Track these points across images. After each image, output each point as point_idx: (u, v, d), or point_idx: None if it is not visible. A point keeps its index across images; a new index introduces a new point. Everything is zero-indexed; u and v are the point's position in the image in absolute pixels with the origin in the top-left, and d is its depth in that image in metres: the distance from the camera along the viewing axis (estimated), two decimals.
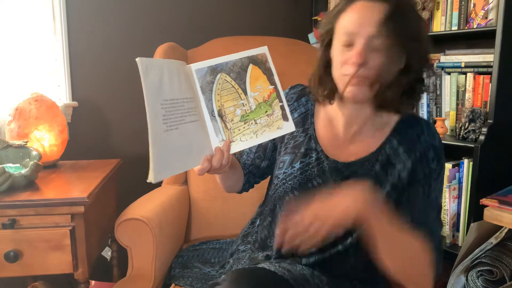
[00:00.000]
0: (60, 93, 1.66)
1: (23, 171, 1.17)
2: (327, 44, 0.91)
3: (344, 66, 0.84)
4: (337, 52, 0.87)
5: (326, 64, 0.91)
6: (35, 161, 1.19)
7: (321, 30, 0.93)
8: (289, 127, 0.86)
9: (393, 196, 0.89)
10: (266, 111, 0.84)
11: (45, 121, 1.39)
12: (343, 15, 0.85)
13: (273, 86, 0.85)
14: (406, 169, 0.89)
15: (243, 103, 0.83)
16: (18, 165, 1.23)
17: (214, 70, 0.80)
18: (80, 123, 1.71)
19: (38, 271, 1.10)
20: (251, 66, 0.83)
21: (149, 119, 0.70)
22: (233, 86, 0.82)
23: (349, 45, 0.83)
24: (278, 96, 0.85)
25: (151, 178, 0.70)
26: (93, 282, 1.63)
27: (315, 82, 0.94)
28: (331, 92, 0.92)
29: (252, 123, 0.83)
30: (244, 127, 0.82)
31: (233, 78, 0.82)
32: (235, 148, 0.82)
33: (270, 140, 1.02)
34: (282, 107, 0.85)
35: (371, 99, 0.87)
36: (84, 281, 1.17)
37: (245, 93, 0.83)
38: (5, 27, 1.54)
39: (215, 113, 0.80)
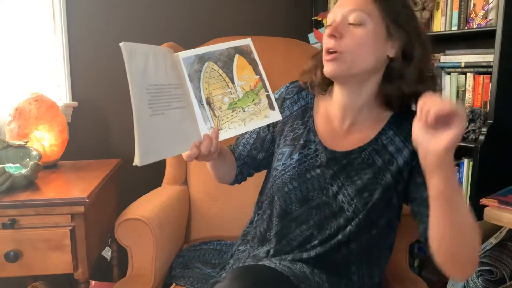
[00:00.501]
0: (60, 93, 1.66)
1: (23, 171, 1.17)
2: None
3: (323, 43, 0.89)
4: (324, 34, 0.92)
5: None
6: (35, 161, 1.19)
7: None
8: (275, 115, 0.87)
9: (391, 184, 0.90)
10: (253, 100, 0.85)
11: (45, 121, 1.39)
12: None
13: (259, 76, 0.86)
14: (403, 157, 0.90)
15: (230, 91, 0.84)
16: (18, 165, 1.23)
17: (202, 59, 0.82)
18: (80, 123, 1.71)
19: (38, 271, 1.10)
20: (237, 56, 0.85)
21: (134, 103, 0.70)
22: (221, 75, 0.83)
23: (332, 24, 0.88)
24: (264, 86, 0.87)
25: (136, 162, 0.70)
26: (93, 282, 1.63)
27: (311, 71, 0.99)
28: (325, 82, 0.97)
29: (240, 111, 0.84)
30: (232, 115, 0.83)
31: (220, 67, 0.83)
32: (224, 135, 0.83)
33: (268, 132, 1.03)
34: (268, 96, 0.87)
35: (353, 79, 0.89)
36: (84, 281, 1.16)
37: (232, 81, 0.84)
38: (5, 27, 1.54)
39: (203, 101, 0.81)
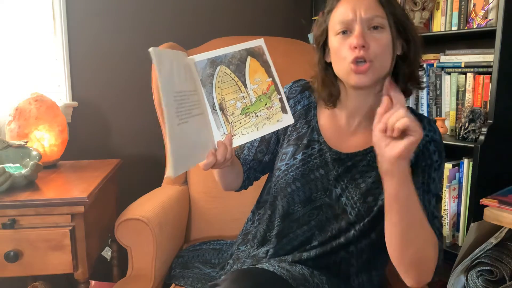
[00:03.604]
0: (60, 93, 1.66)
1: (23, 171, 1.17)
2: (322, 46, 0.93)
3: (346, 53, 0.84)
4: (335, 44, 0.87)
5: (326, 67, 0.93)
6: (35, 161, 1.19)
7: (315, 33, 0.95)
8: (288, 119, 0.85)
9: None
10: (266, 104, 0.84)
11: (45, 121, 1.39)
12: (334, 12, 0.88)
13: (271, 79, 0.84)
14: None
15: (243, 96, 0.82)
16: (18, 165, 1.23)
17: (214, 63, 0.80)
18: (80, 123, 1.71)
19: (38, 271, 1.10)
20: (249, 58, 0.83)
21: (165, 112, 0.68)
22: (233, 79, 0.82)
23: (346, 32, 0.85)
24: (277, 89, 0.85)
25: (170, 173, 0.68)
26: (93, 282, 1.63)
27: (318, 85, 0.96)
28: (334, 94, 0.94)
29: (252, 116, 0.83)
30: (245, 120, 0.82)
31: (233, 71, 0.81)
32: (237, 141, 0.81)
33: (273, 133, 1.02)
34: (280, 100, 0.85)
35: (378, 85, 0.87)
36: (84, 281, 1.17)
37: (245, 85, 0.82)
38: (5, 27, 1.54)
39: (216, 106, 0.80)
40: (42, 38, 1.61)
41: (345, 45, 0.84)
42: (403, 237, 0.78)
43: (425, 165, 0.89)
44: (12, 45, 1.56)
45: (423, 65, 0.94)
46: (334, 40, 0.88)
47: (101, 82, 1.73)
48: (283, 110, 0.85)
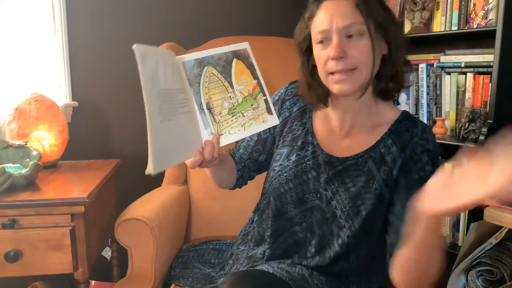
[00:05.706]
0: (60, 93, 1.66)
1: (23, 171, 1.17)
2: (306, 51, 0.93)
3: (326, 63, 0.86)
4: (317, 53, 0.89)
5: (311, 70, 0.93)
6: (35, 161, 1.19)
7: (297, 38, 0.95)
8: (273, 120, 0.86)
9: (386, 194, 0.89)
10: (252, 105, 0.85)
11: (45, 121, 1.39)
12: (315, 19, 0.88)
13: (257, 81, 0.86)
14: (396, 167, 0.89)
15: (230, 96, 0.83)
16: (18, 165, 1.23)
17: (201, 63, 0.81)
18: (80, 123, 1.71)
19: (38, 271, 1.10)
20: (235, 60, 0.85)
21: (147, 108, 0.69)
22: (220, 79, 0.83)
23: (324, 42, 0.86)
24: (262, 90, 0.86)
25: (150, 170, 0.68)
26: (93, 282, 1.63)
27: (304, 90, 0.96)
28: (323, 96, 0.94)
29: (239, 116, 0.84)
30: (232, 120, 0.83)
31: (219, 72, 0.83)
32: (224, 141, 0.82)
33: (269, 134, 1.03)
34: (266, 101, 0.86)
35: (362, 90, 0.88)
36: (84, 281, 1.17)
37: (231, 86, 0.84)
38: (5, 27, 1.54)
39: (204, 106, 0.81)
40: (42, 38, 1.61)
41: (324, 55, 0.86)
42: (420, 274, 0.77)
43: (419, 177, 0.87)
44: (13, 45, 1.56)
45: (408, 62, 0.93)
46: (315, 49, 0.89)
47: (101, 82, 1.73)
48: (269, 111, 0.86)
